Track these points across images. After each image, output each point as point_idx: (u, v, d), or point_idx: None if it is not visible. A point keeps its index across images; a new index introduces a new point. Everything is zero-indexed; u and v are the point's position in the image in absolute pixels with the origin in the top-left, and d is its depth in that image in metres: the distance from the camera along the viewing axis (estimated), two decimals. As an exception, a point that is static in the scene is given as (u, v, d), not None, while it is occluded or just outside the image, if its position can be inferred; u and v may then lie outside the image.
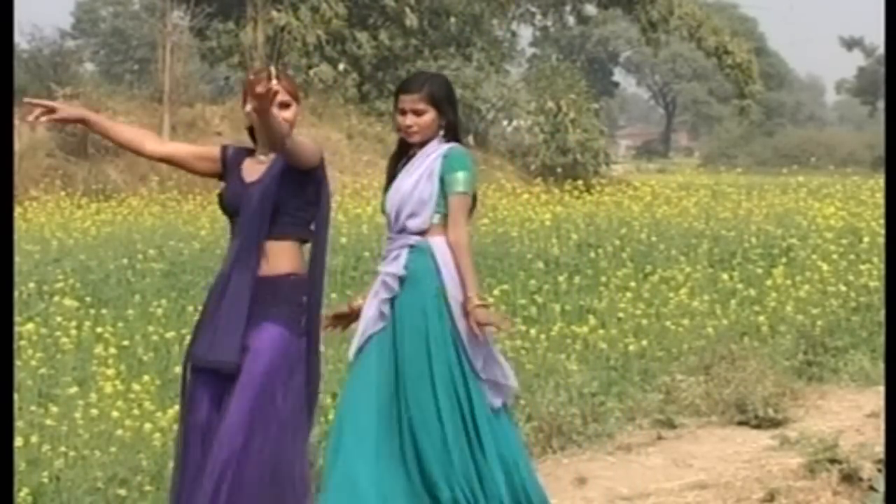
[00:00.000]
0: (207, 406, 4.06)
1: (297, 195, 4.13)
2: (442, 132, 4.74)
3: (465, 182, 4.70)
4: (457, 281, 4.66)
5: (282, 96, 4.10)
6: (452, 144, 4.76)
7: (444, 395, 4.61)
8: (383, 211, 4.84)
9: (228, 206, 4.19)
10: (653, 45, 30.25)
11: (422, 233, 4.69)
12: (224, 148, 4.30)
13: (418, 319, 4.63)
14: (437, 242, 4.69)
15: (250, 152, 4.26)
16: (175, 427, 5.58)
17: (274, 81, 3.79)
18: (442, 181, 4.68)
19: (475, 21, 28.29)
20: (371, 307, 4.69)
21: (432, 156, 4.71)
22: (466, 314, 4.59)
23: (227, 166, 4.24)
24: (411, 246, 4.67)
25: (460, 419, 4.63)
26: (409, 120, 4.70)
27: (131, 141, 4.23)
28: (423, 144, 4.74)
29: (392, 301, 4.66)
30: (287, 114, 4.15)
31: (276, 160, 4.15)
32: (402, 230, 4.69)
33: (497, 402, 4.71)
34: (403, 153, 4.82)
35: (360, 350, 4.66)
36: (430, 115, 4.70)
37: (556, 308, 8.72)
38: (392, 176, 4.82)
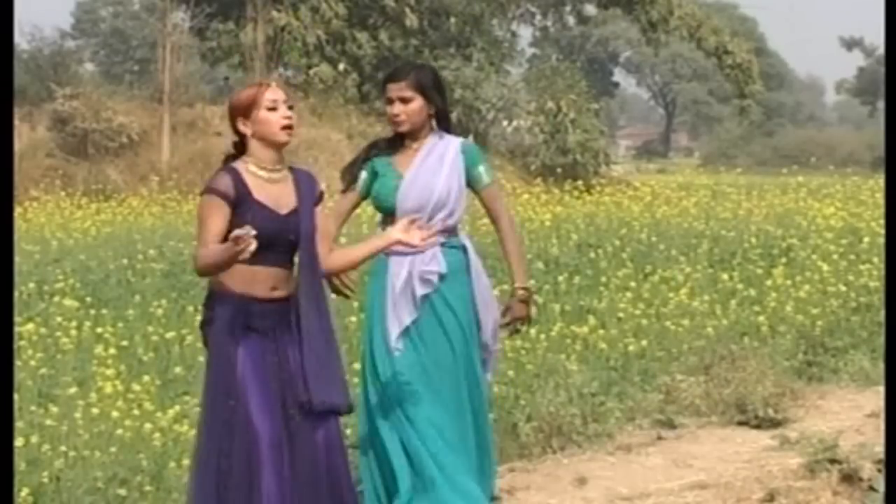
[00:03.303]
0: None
1: None
2: (433, 121, 4.78)
3: (490, 172, 4.89)
4: (484, 279, 4.87)
5: (285, 96, 4.12)
6: (462, 139, 4.88)
7: (474, 387, 4.82)
8: (387, 204, 4.77)
9: (258, 235, 3.88)
10: (653, 45, 30.26)
11: (450, 230, 4.76)
12: (223, 195, 3.99)
13: (467, 312, 4.79)
14: (467, 241, 4.87)
15: (234, 164, 4.09)
16: (175, 427, 5.61)
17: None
18: (467, 177, 4.81)
19: (475, 21, 28.27)
20: (404, 301, 4.74)
21: (451, 152, 4.77)
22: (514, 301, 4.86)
23: (238, 198, 4.00)
24: (442, 244, 4.74)
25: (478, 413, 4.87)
26: (397, 108, 4.72)
27: None
28: (413, 135, 4.75)
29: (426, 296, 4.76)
30: (293, 114, 4.12)
31: (302, 185, 4.12)
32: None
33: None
34: (395, 145, 4.81)
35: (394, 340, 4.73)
36: (417, 103, 4.73)
37: (556, 308, 8.72)
38: (358, 161, 4.81)
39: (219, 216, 3.98)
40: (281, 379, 4.04)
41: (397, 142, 4.81)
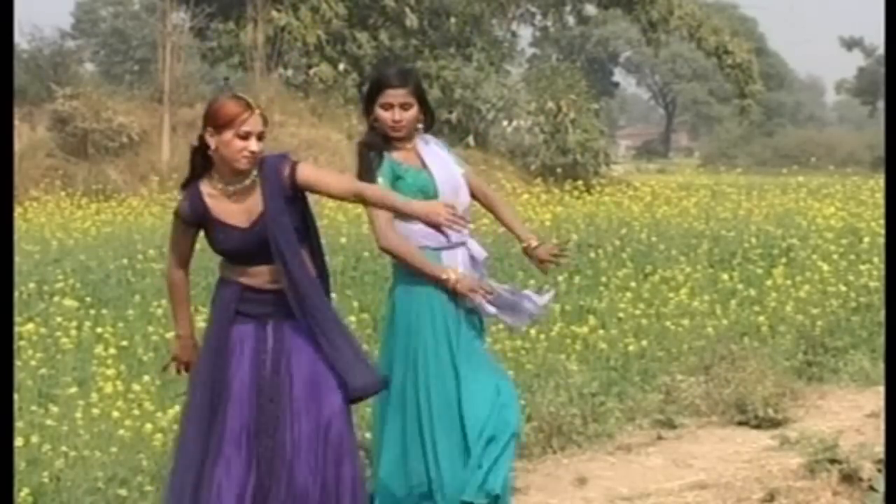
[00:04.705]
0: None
1: (292, 216, 4.12)
2: (421, 126, 4.80)
3: (459, 161, 4.98)
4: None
5: (262, 127, 4.06)
6: (426, 134, 4.91)
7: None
8: (431, 196, 4.68)
9: (226, 251, 4.19)
10: (653, 45, 30.22)
11: None
12: (184, 218, 4.17)
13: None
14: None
15: (196, 183, 4.13)
16: (175, 427, 5.60)
17: None
18: None
19: (475, 21, 28.26)
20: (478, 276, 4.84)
21: (436, 144, 4.87)
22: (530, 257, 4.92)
23: (199, 219, 4.15)
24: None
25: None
26: (399, 115, 4.70)
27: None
28: (403, 140, 4.76)
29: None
30: (262, 145, 4.06)
31: (268, 184, 4.05)
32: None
33: None
34: (383, 146, 4.76)
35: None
36: (415, 110, 4.75)
37: (556, 308, 8.71)
38: (368, 166, 4.71)
39: (182, 238, 4.24)
40: (263, 372, 4.09)
41: (383, 143, 4.75)
